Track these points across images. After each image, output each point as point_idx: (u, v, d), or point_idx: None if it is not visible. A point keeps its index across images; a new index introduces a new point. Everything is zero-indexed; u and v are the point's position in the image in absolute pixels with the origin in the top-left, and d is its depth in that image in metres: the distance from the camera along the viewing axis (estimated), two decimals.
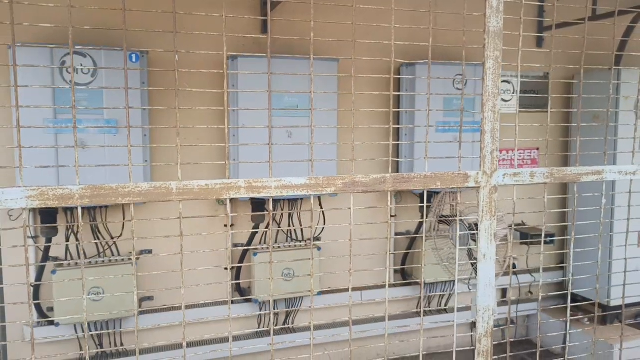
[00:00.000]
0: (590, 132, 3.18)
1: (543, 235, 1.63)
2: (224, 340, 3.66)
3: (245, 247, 3.71)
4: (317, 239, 3.80)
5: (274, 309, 3.84)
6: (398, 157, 3.83)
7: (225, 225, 3.74)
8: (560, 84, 4.44)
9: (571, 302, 4.71)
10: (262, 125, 3.20)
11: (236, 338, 3.69)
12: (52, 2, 1.49)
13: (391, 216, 4.08)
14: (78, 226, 3.33)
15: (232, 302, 3.78)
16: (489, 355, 1.41)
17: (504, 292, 4.60)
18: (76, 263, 3.29)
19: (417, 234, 4.05)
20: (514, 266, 4.69)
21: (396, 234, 4.13)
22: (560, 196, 4.51)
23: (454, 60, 3.76)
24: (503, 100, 4.48)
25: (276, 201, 3.66)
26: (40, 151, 2.89)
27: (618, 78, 4.03)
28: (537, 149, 4.60)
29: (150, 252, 3.53)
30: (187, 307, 3.61)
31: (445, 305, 4.31)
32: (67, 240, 3.34)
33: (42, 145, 2.71)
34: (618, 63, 4.31)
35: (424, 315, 4.18)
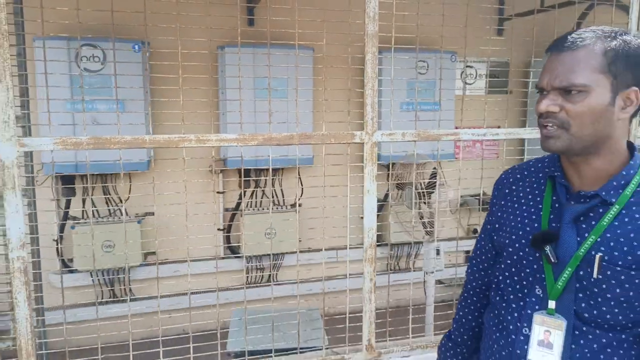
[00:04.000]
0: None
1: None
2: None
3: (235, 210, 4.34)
4: (299, 204, 4.39)
5: (259, 264, 4.47)
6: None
7: (218, 192, 4.37)
8: (520, 68, 4.96)
9: None
10: (248, 104, 3.78)
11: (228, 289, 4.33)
12: None
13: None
14: (92, 188, 3.99)
15: (223, 258, 4.41)
16: (373, 261, 2.01)
17: (467, 253, 5.18)
18: (91, 221, 3.95)
19: (384, 201, 4.63)
20: (475, 231, 5.25)
21: None
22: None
23: (420, 47, 4.28)
24: (467, 83, 5.02)
25: (260, 170, 4.28)
26: (60, 125, 3.53)
27: None
28: (499, 127, 5.12)
29: (152, 214, 4.17)
30: (184, 261, 4.25)
31: (414, 265, 4.91)
32: (83, 201, 4.00)
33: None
34: None
35: (391, 273, 4.78)
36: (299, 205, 4.36)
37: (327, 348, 2.18)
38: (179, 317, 2.75)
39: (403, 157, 4.19)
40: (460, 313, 1.43)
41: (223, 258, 4.38)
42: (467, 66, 4.92)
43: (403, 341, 2.21)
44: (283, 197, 4.45)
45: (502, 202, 1.28)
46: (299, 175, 4.32)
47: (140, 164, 3.85)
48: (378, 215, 4.68)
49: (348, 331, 2.25)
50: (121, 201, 4.08)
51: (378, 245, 4.74)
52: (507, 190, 1.29)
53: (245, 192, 4.33)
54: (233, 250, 4.42)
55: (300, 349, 2.17)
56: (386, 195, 4.62)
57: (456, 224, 4.93)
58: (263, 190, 4.41)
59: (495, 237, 1.29)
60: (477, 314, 1.40)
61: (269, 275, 4.53)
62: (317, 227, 4.24)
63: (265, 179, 4.37)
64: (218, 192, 4.35)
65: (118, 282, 4.15)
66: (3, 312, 3.09)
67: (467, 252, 5.16)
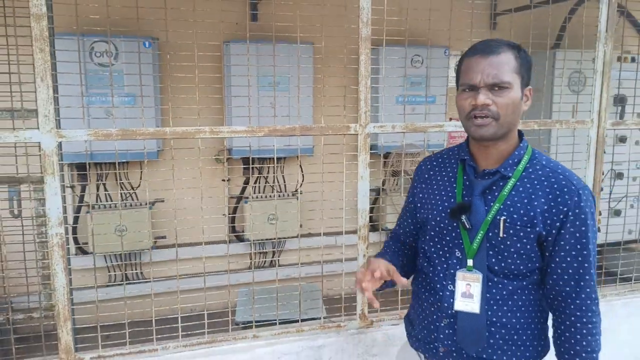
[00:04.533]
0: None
1: None
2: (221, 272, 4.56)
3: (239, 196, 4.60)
4: (300, 192, 4.64)
5: (263, 249, 4.74)
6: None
7: (223, 180, 4.62)
8: None
9: None
10: (251, 98, 4.02)
11: (234, 271, 4.58)
12: None
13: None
14: (107, 174, 4.25)
15: (231, 242, 4.67)
16: (366, 239, 2.27)
17: None
18: (105, 206, 4.21)
19: (382, 188, 4.89)
20: None
21: None
22: None
23: (415, 42, 4.50)
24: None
25: (263, 159, 4.52)
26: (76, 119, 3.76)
27: (554, 58, 4.76)
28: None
29: (163, 200, 4.42)
30: (193, 244, 4.50)
31: None
32: (97, 189, 4.25)
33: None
34: (559, 45, 5.04)
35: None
36: (300, 192, 4.61)
37: (324, 317, 2.45)
38: (186, 297, 3.01)
39: (398, 147, 4.43)
40: (390, 242, 1.69)
41: (231, 242, 4.63)
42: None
43: (393, 311, 2.46)
44: (285, 184, 4.69)
45: (423, 186, 1.57)
46: (300, 164, 4.57)
47: (150, 154, 4.10)
48: (375, 199, 4.98)
49: (344, 303, 2.51)
50: (133, 188, 4.33)
51: (374, 231, 5.04)
52: (426, 176, 1.58)
53: (249, 180, 4.58)
54: (237, 235, 4.68)
55: (301, 319, 2.43)
56: (383, 182, 4.87)
57: None
58: (266, 178, 4.67)
59: (418, 215, 1.57)
60: (399, 245, 1.66)
61: (272, 256, 4.79)
62: (316, 211, 4.51)
63: (268, 168, 4.62)
64: (223, 180, 4.60)
65: (130, 263, 4.41)
66: (21, 293, 3.35)
67: None
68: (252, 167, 4.56)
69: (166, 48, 4.17)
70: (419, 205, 1.57)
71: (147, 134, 1.96)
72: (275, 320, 2.39)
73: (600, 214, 5.10)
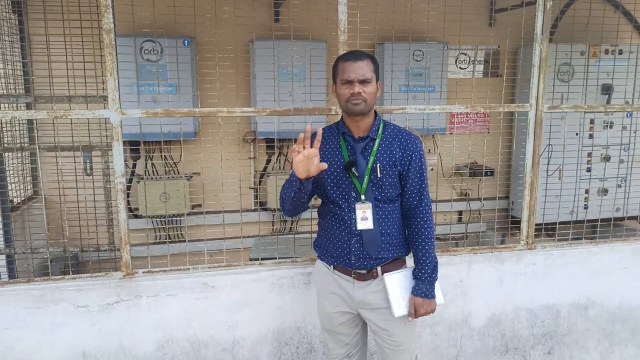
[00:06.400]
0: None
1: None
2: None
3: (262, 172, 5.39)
4: None
5: (281, 217, 5.52)
6: None
7: (249, 158, 5.41)
8: (509, 55, 5.74)
9: (510, 223, 5.98)
10: (272, 88, 4.77)
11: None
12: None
13: None
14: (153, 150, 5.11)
15: (254, 210, 5.47)
16: None
17: (460, 213, 6.08)
18: (152, 177, 5.08)
19: None
20: (467, 194, 6.11)
21: None
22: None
23: (416, 39, 5.14)
24: (461, 68, 5.86)
25: (283, 140, 5.30)
26: (130, 104, 4.62)
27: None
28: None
29: (199, 174, 5.25)
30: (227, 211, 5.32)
31: None
32: (146, 163, 5.13)
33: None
34: (551, 39, 5.56)
35: None
36: None
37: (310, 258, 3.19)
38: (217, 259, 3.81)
39: None
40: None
41: (253, 210, 5.44)
42: (461, 53, 5.76)
43: None
44: None
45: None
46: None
47: (189, 134, 4.93)
48: None
49: None
50: (175, 163, 5.19)
51: None
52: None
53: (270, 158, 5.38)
54: (262, 204, 5.48)
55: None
56: None
57: (450, 189, 5.84)
58: (285, 156, 5.45)
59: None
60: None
61: (292, 223, 5.58)
62: None
63: (288, 146, 5.39)
64: (250, 158, 5.41)
65: (173, 224, 5.28)
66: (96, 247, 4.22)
67: (460, 212, 6.05)
68: (273, 148, 5.34)
69: (201, 46, 4.98)
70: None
71: (182, 113, 2.76)
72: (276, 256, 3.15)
73: (587, 192, 5.66)
